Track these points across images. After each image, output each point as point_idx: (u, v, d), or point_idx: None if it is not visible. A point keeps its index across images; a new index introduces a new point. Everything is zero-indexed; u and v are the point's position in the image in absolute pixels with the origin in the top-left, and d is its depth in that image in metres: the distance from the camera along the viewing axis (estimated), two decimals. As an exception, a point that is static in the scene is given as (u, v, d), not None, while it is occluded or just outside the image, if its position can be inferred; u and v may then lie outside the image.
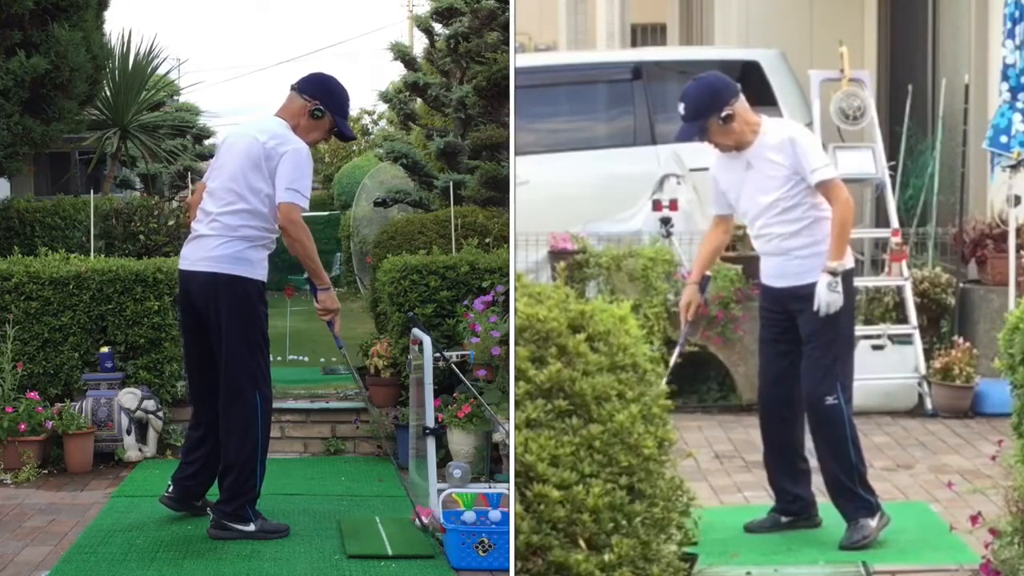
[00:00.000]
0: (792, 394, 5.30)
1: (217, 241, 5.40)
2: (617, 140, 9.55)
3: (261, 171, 5.34)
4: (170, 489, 5.73)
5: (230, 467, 5.47)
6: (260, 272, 5.44)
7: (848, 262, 5.23)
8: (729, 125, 5.23)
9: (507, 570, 3.91)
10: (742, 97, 5.28)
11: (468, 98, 10.30)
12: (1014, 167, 7.68)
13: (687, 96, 5.29)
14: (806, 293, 5.19)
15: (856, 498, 5.21)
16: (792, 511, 5.42)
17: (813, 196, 5.19)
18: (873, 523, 5.17)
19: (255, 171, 5.35)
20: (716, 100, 5.22)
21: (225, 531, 5.43)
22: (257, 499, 5.54)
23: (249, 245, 5.38)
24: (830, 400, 5.17)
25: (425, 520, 5.51)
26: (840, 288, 5.12)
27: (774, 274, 5.36)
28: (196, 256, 5.48)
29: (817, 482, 5.42)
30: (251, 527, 5.44)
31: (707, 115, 5.22)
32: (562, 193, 9.14)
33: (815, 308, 5.14)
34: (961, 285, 8.23)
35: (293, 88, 5.52)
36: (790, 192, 5.20)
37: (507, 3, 10.07)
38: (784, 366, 5.33)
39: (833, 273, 5.11)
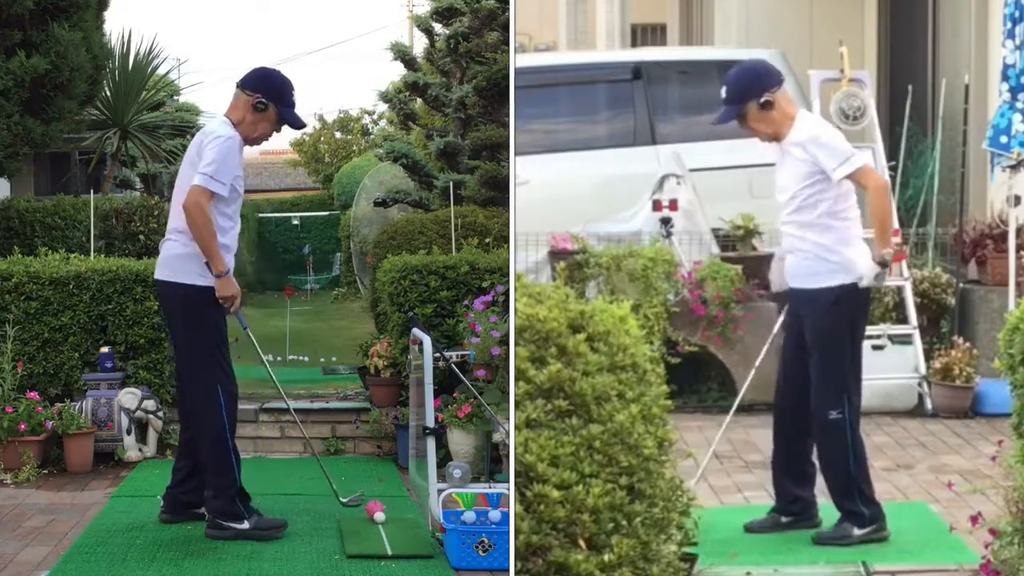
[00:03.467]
0: (808, 398, 5.31)
1: (169, 249, 5.52)
2: (617, 140, 9.54)
3: (195, 169, 5.38)
4: (162, 505, 5.75)
5: (204, 466, 5.54)
6: (212, 279, 5.40)
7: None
8: (768, 113, 5.21)
9: (507, 570, 3.91)
10: (785, 87, 5.28)
11: (468, 98, 10.30)
12: (1014, 167, 7.68)
13: (728, 79, 5.29)
14: (810, 297, 5.20)
15: (848, 508, 5.25)
16: (792, 511, 5.43)
17: (835, 203, 5.16)
18: (857, 532, 5.20)
19: (195, 167, 5.39)
20: (756, 85, 5.22)
21: (221, 530, 5.44)
22: (239, 491, 5.51)
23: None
24: (834, 415, 5.17)
25: (379, 517, 5.66)
26: (884, 279, 5.15)
27: (789, 272, 5.38)
28: (159, 264, 5.59)
29: (820, 482, 5.43)
30: (245, 524, 5.45)
31: (746, 99, 5.21)
32: (562, 193, 9.14)
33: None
34: (961, 285, 8.23)
35: (237, 85, 5.58)
36: (807, 190, 5.19)
37: (507, 3, 10.07)
38: (800, 369, 5.32)
39: (882, 264, 5.11)
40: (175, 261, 5.47)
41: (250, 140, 5.56)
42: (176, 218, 5.49)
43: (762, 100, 5.20)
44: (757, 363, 5.81)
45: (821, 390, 5.20)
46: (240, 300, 5.57)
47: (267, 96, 5.51)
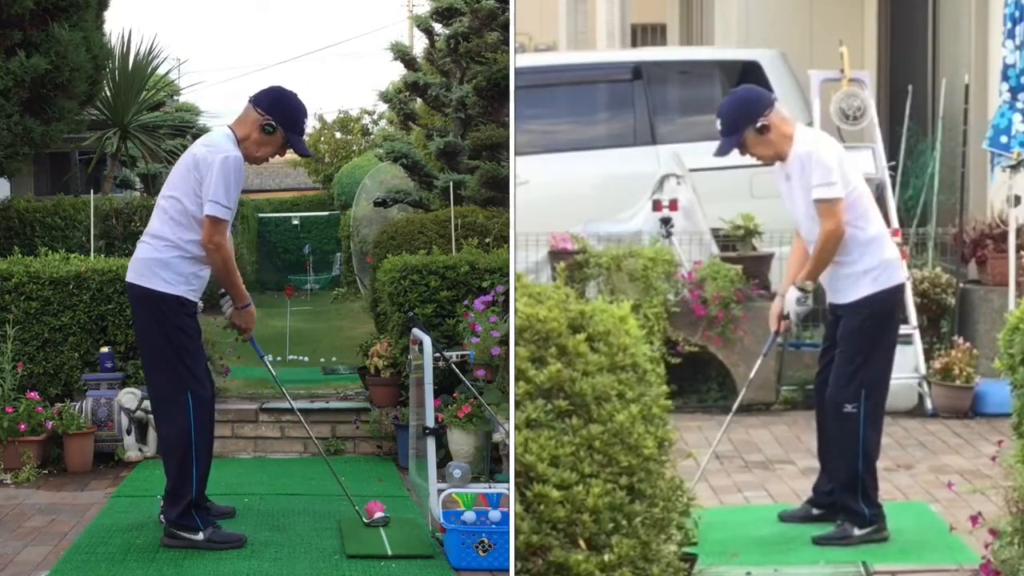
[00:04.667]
0: None
1: (141, 251, 5.40)
2: (617, 140, 9.54)
3: (190, 180, 5.27)
4: (162, 505, 5.62)
5: (167, 473, 5.43)
6: (180, 287, 5.31)
7: (898, 277, 5.26)
8: (766, 136, 5.24)
9: (507, 570, 3.91)
10: (778, 107, 5.30)
11: (468, 98, 10.30)
12: (1014, 167, 7.68)
13: (722, 111, 5.33)
14: (844, 307, 5.26)
15: (849, 506, 5.26)
16: (824, 504, 5.47)
17: (849, 213, 5.17)
18: (857, 532, 5.21)
19: (187, 176, 5.29)
20: (750, 112, 5.25)
21: (175, 540, 5.33)
22: (196, 502, 5.39)
23: (178, 254, 5.30)
24: (848, 408, 5.20)
25: (379, 515, 5.62)
26: (809, 303, 5.28)
27: (824, 282, 5.42)
28: (130, 264, 5.47)
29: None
30: (200, 536, 5.32)
31: (742, 128, 5.24)
32: (562, 193, 9.14)
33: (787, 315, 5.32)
34: (961, 285, 8.23)
35: (250, 100, 5.42)
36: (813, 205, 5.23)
37: (507, 3, 10.07)
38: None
39: (802, 289, 5.25)
40: (144, 265, 5.34)
41: (251, 159, 5.43)
42: (156, 221, 5.38)
43: (758, 125, 5.22)
44: (757, 364, 5.82)
45: (839, 382, 5.25)
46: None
47: (278, 120, 5.36)
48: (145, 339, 5.45)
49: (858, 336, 5.21)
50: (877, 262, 5.19)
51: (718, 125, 5.32)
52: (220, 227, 5.24)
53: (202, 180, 5.24)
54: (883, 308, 5.23)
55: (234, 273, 5.42)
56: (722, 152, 5.35)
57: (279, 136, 5.40)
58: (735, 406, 5.78)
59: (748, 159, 5.45)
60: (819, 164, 5.16)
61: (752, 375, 5.84)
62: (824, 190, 5.14)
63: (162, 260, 5.30)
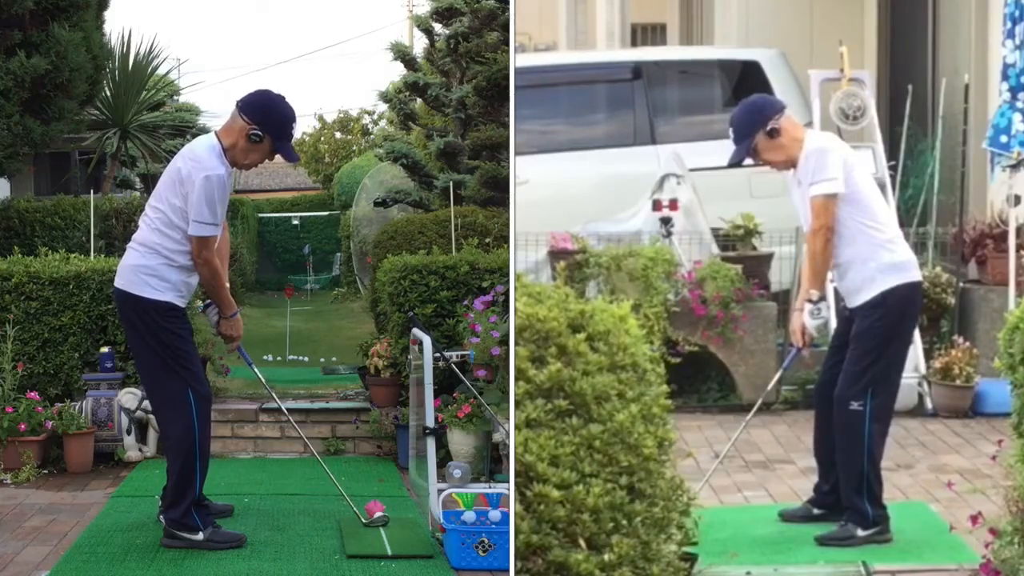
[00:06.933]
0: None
1: (129, 257, 5.40)
2: (617, 140, 9.54)
3: (176, 190, 5.26)
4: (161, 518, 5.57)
5: (170, 474, 5.43)
6: (169, 295, 5.31)
7: (913, 275, 5.26)
8: (777, 140, 5.28)
9: (507, 570, 3.90)
10: (788, 114, 5.34)
11: (468, 98, 10.31)
12: (1014, 167, 7.68)
13: (733, 119, 5.38)
14: (859, 306, 5.26)
15: (854, 505, 5.25)
16: (825, 504, 5.48)
17: (852, 211, 5.20)
18: (860, 533, 5.21)
19: (171, 189, 5.29)
20: (760, 117, 5.30)
21: (175, 540, 5.33)
22: (197, 502, 5.41)
23: (163, 262, 5.30)
24: (855, 405, 5.21)
25: (378, 515, 5.62)
26: (824, 314, 5.33)
27: (838, 283, 5.44)
28: (119, 270, 5.46)
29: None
30: (200, 536, 5.32)
31: (753, 132, 5.29)
32: (562, 193, 9.14)
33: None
34: (961, 285, 8.23)
35: (237, 105, 5.34)
36: None
37: (507, 3, 10.07)
38: (839, 370, 5.37)
39: (810, 300, 5.29)
40: (131, 272, 5.34)
41: (239, 166, 5.39)
42: (143, 229, 5.38)
43: (768, 128, 5.26)
44: (777, 376, 5.87)
45: (848, 380, 5.25)
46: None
47: (264, 128, 5.27)
48: (139, 345, 5.45)
49: (870, 334, 5.21)
50: (890, 262, 5.20)
51: (730, 133, 5.36)
52: (207, 242, 5.27)
53: (187, 196, 5.23)
54: (897, 307, 5.22)
55: (223, 285, 5.45)
56: (735, 160, 5.39)
57: (267, 144, 5.33)
58: (749, 416, 5.75)
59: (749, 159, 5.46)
60: (820, 162, 5.20)
61: (770, 387, 5.94)
62: (815, 187, 5.18)
63: (149, 266, 5.31)
